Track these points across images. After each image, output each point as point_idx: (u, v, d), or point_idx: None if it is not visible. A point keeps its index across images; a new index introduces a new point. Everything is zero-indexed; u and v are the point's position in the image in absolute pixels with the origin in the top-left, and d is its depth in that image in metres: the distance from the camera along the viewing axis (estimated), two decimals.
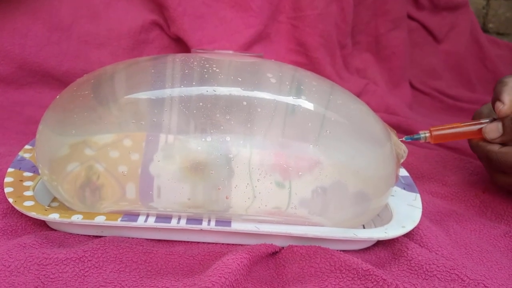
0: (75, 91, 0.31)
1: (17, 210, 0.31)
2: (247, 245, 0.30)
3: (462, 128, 0.38)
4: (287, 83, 0.32)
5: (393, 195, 0.34)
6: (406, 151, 0.33)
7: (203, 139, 0.28)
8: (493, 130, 0.37)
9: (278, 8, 0.60)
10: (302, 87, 0.32)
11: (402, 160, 0.33)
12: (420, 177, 0.44)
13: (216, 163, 0.28)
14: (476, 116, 0.41)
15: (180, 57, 0.33)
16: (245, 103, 0.29)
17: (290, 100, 0.30)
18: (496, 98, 0.37)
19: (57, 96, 0.32)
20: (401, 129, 0.55)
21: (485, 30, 0.87)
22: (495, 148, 0.36)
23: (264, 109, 0.29)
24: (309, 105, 0.30)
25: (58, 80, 0.53)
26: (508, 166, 0.35)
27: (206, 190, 0.29)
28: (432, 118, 0.63)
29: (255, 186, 0.28)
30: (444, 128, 0.37)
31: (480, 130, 0.37)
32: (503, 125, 0.36)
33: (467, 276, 0.27)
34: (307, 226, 0.30)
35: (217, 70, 0.31)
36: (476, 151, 0.39)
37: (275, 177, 0.29)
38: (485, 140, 0.38)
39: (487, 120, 0.37)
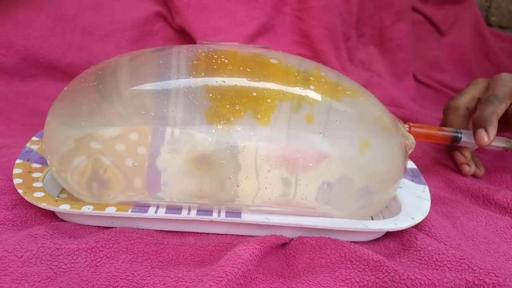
0: (83, 83, 0.31)
1: (26, 201, 0.31)
2: (257, 236, 0.30)
3: (438, 132, 0.40)
4: (296, 74, 0.32)
5: (401, 187, 0.35)
6: (414, 142, 0.33)
7: (213, 130, 0.28)
8: None
9: (282, 0, 0.60)
10: (310, 77, 0.31)
11: (410, 151, 0.33)
12: (425, 170, 0.44)
13: (226, 154, 0.28)
14: (452, 109, 0.42)
15: (188, 47, 0.33)
16: (254, 93, 0.29)
17: (298, 90, 0.30)
18: (483, 124, 0.37)
19: (65, 88, 0.32)
20: (406, 122, 0.55)
21: (488, 23, 0.87)
22: None
23: (273, 100, 0.29)
24: (317, 96, 0.30)
25: (62, 72, 0.53)
26: None
27: (215, 180, 0.29)
28: (436, 110, 0.62)
29: (266, 178, 0.28)
30: (422, 127, 0.39)
31: (451, 137, 0.40)
32: None
33: (477, 265, 0.27)
34: (316, 217, 0.30)
35: (226, 61, 0.31)
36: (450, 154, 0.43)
37: (284, 167, 0.29)
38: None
39: (461, 131, 0.40)
